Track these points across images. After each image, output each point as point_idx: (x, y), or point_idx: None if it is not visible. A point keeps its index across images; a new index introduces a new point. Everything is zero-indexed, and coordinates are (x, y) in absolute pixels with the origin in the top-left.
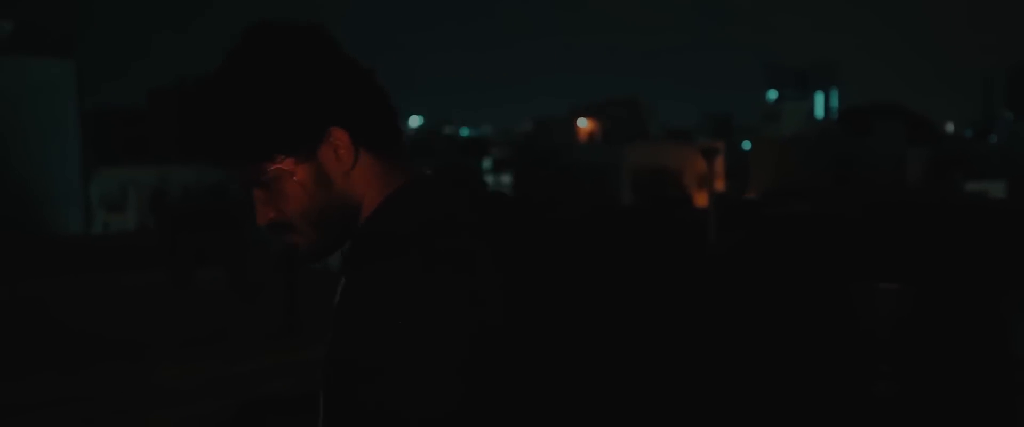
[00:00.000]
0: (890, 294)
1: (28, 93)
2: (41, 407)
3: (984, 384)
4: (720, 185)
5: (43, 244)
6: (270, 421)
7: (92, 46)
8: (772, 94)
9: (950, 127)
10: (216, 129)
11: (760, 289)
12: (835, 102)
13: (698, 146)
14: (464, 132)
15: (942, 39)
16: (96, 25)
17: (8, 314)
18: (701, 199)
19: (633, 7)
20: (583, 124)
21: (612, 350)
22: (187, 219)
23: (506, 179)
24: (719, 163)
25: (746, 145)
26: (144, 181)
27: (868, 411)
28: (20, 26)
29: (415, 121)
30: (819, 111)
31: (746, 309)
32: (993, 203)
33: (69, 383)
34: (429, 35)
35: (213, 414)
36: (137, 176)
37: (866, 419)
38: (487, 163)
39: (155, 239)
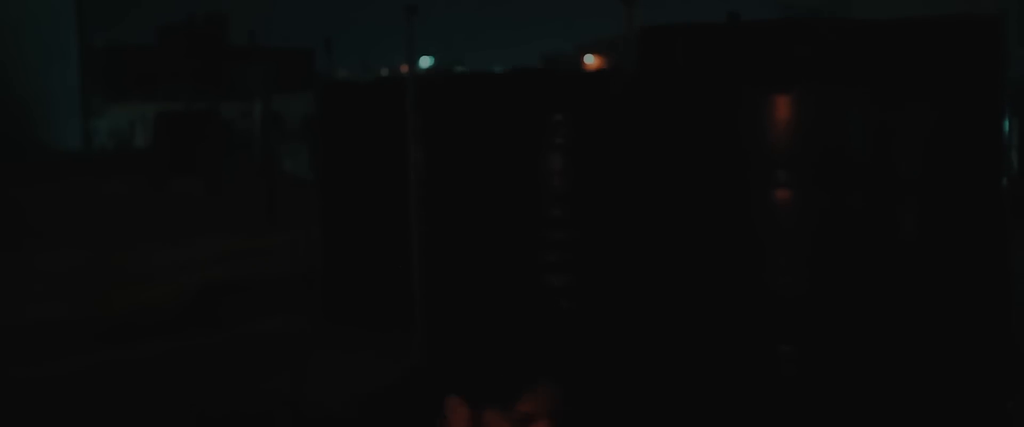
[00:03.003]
0: (785, 103)
1: (29, 20)
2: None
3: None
4: None
5: (32, 161)
6: (226, 300)
7: None
8: None
9: None
10: None
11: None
12: None
13: None
14: None
15: None
16: None
17: None
18: None
19: None
20: (590, 61)
21: None
22: (168, 123)
23: None
24: None
25: None
26: (152, 117)
27: (770, 217)
28: None
29: (426, 61)
30: None
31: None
32: None
33: (36, 264)
34: None
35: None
36: (146, 111)
37: (769, 221)
38: None
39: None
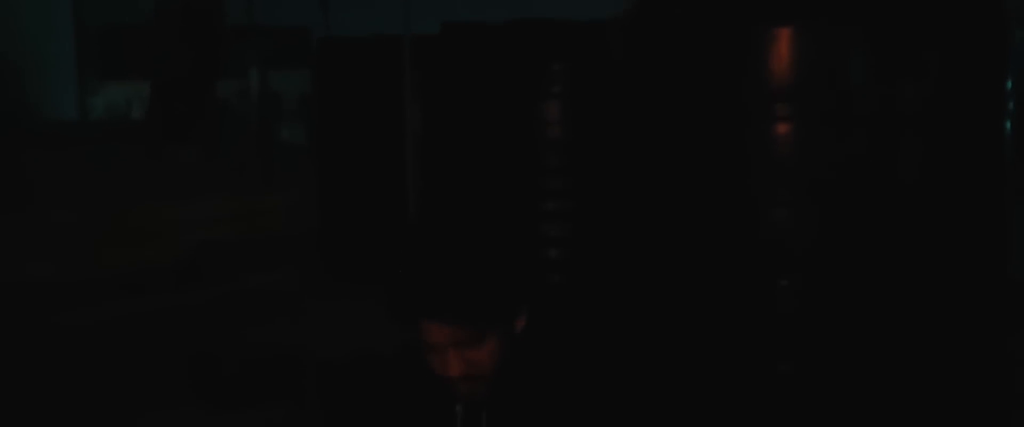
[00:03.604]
0: (787, 38)
1: None
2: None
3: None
4: None
5: (29, 130)
6: (224, 257)
7: None
8: None
9: None
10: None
11: None
12: None
13: None
14: None
15: None
16: None
17: None
18: None
19: None
20: None
21: None
22: (163, 90)
23: None
24: None
25: None
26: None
27: (769, 152)
28: None
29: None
30: None
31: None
32: None
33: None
34: None
35: (182, 252)
36: (142, 90)
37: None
38: None
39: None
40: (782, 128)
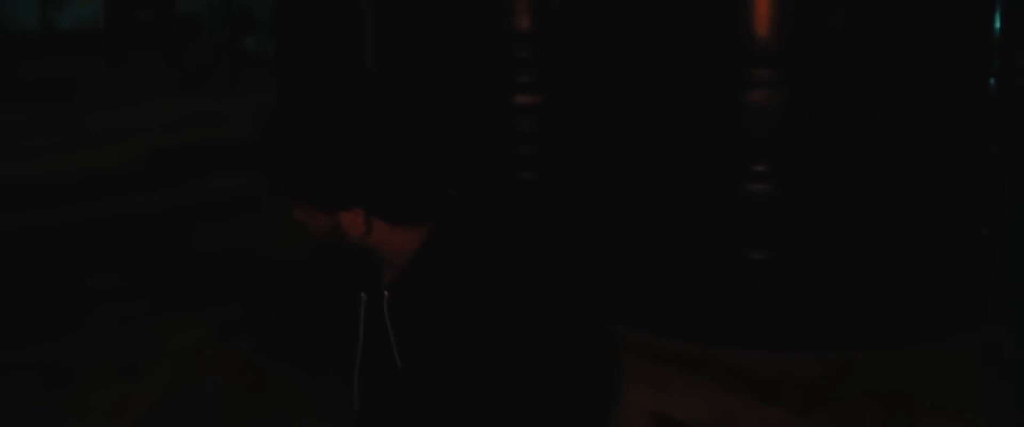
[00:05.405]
0: None
1: None
2: None
3: None
4: None
5: None
6: (185, 161)
7: None
8: None
9: None
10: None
11: None
12: None
13: None
14: None
15: None
16: None
17: None
18: None
19: None
20: None
21: None
22: None
23: None
24: None
25: None
26: None
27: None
28: None
29: None
30: None
31: None
32: None
33: None
34: None
35: (141, 155)
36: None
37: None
38: None
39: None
40: (758, 95)
